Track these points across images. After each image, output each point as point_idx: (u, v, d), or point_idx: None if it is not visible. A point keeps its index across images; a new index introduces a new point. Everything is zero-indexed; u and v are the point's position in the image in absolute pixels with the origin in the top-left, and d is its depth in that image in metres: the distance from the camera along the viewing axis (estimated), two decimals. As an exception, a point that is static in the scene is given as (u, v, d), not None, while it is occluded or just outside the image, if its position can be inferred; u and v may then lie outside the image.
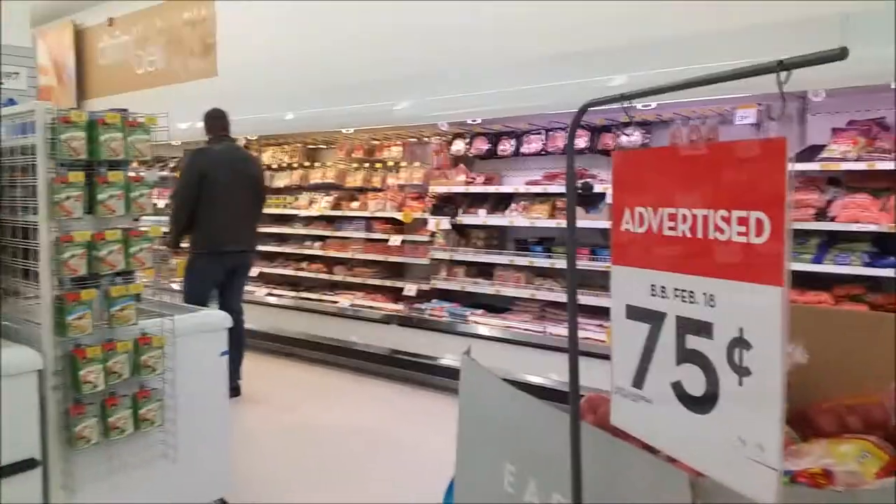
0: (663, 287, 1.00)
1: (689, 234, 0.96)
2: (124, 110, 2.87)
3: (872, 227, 3.74)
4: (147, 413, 2.78)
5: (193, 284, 5.05)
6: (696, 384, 0.94)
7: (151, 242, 2.79)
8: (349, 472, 3.99)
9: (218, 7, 7.75)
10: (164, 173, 8.01)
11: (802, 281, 3.89)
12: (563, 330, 4.89)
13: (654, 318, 1.01)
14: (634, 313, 1.05)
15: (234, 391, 5.19)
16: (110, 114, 2.76)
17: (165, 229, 4.77)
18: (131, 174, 2.83)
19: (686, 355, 0.96)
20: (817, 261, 3.91)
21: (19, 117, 2.84)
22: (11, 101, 4.81)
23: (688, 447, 0.94)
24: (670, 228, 1.00)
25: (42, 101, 2.78)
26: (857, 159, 3.81)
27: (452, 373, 5.23)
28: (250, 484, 3.72)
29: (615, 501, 1.08)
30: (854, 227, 3.79)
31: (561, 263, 4.97)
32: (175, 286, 6.25)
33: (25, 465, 2.56)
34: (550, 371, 4.77)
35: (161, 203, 7.05)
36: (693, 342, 0.95)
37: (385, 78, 5.90)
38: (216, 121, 5.24)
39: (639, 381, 1.03)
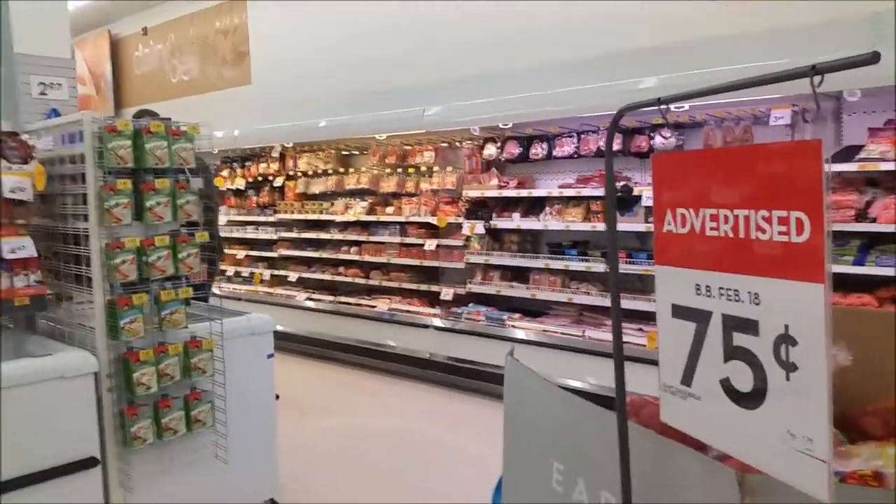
0: (708, 286, 1.03)
1: (731, 234, 0.99)
2: (168, 119, 2.95)
3: (914, 227, 3.68)
4: (198, 414, 2.87)
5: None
6: (744, 380, 0.96)
7: (198, 248, 2.87)
8: (393, 474, 4.04)
9: (250, 16, 7.86)
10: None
11: (845, 283, 3.84)
12: (601, 334, 4.89)
13: (700, 317, 1.04)
14: (680, 312, 1.08)
15: None
16: (154, 123, 2.83)
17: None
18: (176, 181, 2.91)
19: (733, 352, 0.98)
20: (859, 263, 3.86)
21: (66, 127, 2.94)
22: (55, 112, 4.97)
23: (737, 442, 0.96)
24: (712, 229, 1.02)
25: (89, 111, 2.85)
26: (896, 159, 3.76)
27: (490, 376, 5.27)
28: (297, 486, 3.79)
29: (663, 500, 1.11)
30: (895, 228, 3.74)
31: (597, 267, 4.96)
32: (216, 290, 6.38)
33: (86, 463, 2.65)
34: (589, 375, 4.76)
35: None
36: (740, 339, 0.97)
37: (416, 84, 5.98)
38: None
39: (687, 378, 1.05)
